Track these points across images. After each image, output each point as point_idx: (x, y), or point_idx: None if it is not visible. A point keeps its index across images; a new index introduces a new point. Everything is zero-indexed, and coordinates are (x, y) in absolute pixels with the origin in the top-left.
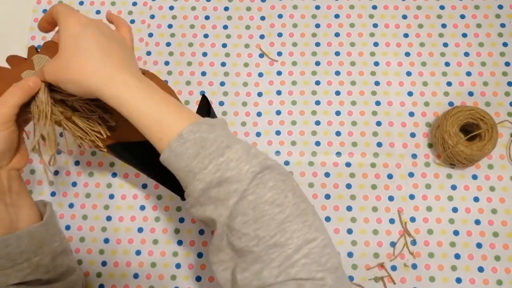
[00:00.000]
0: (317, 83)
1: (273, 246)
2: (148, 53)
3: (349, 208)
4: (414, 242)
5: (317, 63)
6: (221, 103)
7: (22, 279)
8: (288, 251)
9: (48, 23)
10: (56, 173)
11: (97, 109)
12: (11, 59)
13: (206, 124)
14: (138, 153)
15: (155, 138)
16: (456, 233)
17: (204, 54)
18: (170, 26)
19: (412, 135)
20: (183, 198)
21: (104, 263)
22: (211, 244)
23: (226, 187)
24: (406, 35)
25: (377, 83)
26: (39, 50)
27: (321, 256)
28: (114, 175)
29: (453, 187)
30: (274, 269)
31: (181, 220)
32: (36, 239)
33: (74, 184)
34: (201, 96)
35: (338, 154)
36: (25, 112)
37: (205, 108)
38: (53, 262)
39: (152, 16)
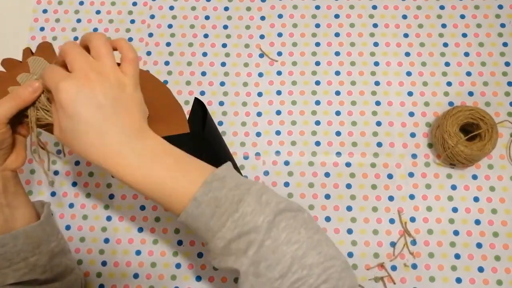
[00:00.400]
0: (317, 83)
1: (296, 281)
2: (148, 53)
3: (349, 208)
4: (414, 242)
5: (317, 63)
6: (221, 103)
7: (19, 279)
8: (310, 280)
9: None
10: (56, 173)
11: None
12: (6, 62)
13: (216, 181)
14: None
15: (165, 205)
16: (456, 233)
17: (204, 54)
18: (170, 26)
19: (412, 135)
20: None
21: (104, 263)
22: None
23: (245, 238)
24: (406, 35)
25: (377, 83)
26: (34, 52)
27: (338, 279)
28: None
29: (453, 187)
30: None
31: None
32: (32, 239)
33: (74, 184)
34: (196, 99)
35: (338, 154)
36: (23, 115)
37: (199, 112)
38: (50, 262)
39: (152, 16)
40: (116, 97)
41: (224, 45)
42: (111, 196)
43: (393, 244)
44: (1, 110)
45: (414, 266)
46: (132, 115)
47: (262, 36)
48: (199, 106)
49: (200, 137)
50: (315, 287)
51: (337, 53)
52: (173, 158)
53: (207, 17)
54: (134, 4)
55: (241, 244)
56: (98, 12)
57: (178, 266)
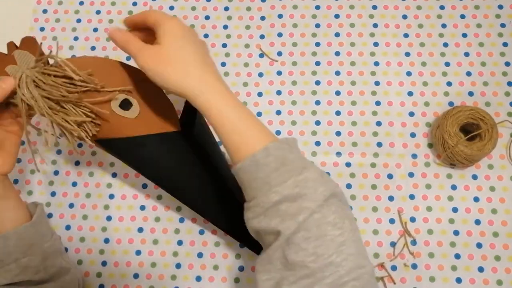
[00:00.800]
0: (317, 83)
1: (328, 264)
2: None
3: None
4: (414, 242)
5: (317, 63)
6: None
7: (11, 280)
8: (341, 271)
9: (135, 24)
10: (56, 173)
11: (82, 108)
12: None
13: (287, 144)
14: (122, 148)
15: (233, 146)
16: (456, 233)
17: None
18: None
19: (412, 135)
20: (163, 187)
21: (104, 263)
22: (262, 252)
23: (300, 203)
24: (406, 35)
25: (377, 83)
26: (18, 46)
27: (367, 283)
28: (114, 175)
29: (453, 187)
30: (325, 286)
31: (181, 220)
32: (24, 240)
33: (74, 184)
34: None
35: (338, 154)
36: (8, 111)
37: (191, 113)
38: (43, 263)
39: None
40: (208, 53)
41: (224, 45)
42: (111, 196)
43: (393, 244)
44: None
45: (414, 266)
46: (213, 64)
47: (262, 36)
48: (190, 106)
49: (190, 137)
50: (345, 281)
51: (337, 53)
52: (249, 113)
53: (207, 17)
54: (134, 4)
55: (293, 208)
56: (98, 12)
57: (178, 266)
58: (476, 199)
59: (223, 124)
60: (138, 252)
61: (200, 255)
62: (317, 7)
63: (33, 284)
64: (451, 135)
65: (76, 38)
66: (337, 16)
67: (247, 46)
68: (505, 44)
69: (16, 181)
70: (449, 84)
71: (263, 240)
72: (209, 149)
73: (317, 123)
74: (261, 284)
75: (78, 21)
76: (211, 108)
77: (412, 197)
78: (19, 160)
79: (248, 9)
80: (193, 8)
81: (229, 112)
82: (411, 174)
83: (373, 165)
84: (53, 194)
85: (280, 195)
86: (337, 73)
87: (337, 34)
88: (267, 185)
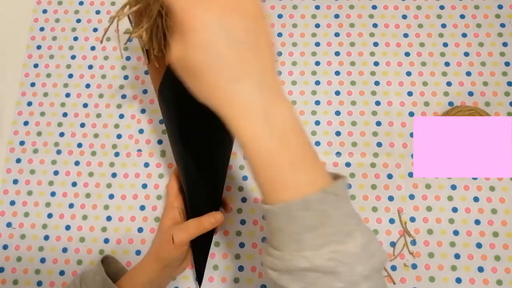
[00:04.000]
0: (317, 83)
1: None
2: None
3: None
4: (414, 242)
5: (317, 63)
6: None
7: None
8: None
9: None
10: (56, 173)
11: None
12: None
13: (333, 195)
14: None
15: (263, 185)
16: (456, 233)
17: None
18: None
19: (412, 135)
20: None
21: None
22: None
23: (331, 281)
24: (406, 35)
25: (377, 83)
26: None
27: None
28: (114, 175)
29: (453, 187)
30: None
31: None
32: None
33: (74, 184)
34: None
35: (338, 154)
36: None
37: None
38: None
39: None
40: (255, 33)
41: None
42: (111, 196)
43: (393, 244)
44: (187, 234)
45: (414, 266)
46: (269, 61)
47: None
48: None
49: None
50: None
51: (337, 53)
52: (299, 144)
53: None
54: None
55: (321, 283)
56: (98, 12)
57: None
58: (476, 199)
59: (255, 160)
60: (138, 252)
61: None
62: (317, 7)
63: None
64: None
65: (76, 38)
66: (337, 16)
67: None
68: (505, 44)
69: (16, 181)
70: (449, 84)
71: None
72: None
73: (317, 123)
74: None
75: (78, 21)
76: (242, 140)
77: (412, 197)
78: (19, 160)
79: None
80: None
81: (263, 146)
82: (411, 174)
83: (373, 165)
84: (53, 194)
85: (310, 263)
86: (337, 73)
87: (337, 34)
88: (297, 244)
